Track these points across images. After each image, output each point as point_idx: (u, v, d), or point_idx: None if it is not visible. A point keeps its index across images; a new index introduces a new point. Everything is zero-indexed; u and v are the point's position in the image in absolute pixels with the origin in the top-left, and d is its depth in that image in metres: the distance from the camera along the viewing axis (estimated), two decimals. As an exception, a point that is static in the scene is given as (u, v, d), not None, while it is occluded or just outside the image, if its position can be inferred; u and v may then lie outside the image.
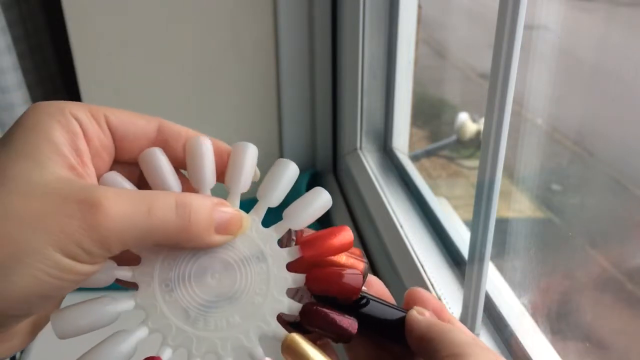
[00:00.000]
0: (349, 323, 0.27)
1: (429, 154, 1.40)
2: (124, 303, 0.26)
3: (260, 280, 0.27)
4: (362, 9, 0.84)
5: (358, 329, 0.29)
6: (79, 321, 0.25)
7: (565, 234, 0.67)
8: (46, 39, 1.11)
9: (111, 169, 0.29)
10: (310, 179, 1.00)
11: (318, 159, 1.06)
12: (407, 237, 0.69)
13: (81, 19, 0.92)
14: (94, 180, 0.27)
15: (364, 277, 0.30)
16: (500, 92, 0.45)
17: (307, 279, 0.28)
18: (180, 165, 0.30)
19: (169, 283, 0.27)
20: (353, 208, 0.90)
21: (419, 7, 0.85)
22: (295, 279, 0.28)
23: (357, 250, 0.30)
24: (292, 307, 0.27)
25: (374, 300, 0.31)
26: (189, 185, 0.29)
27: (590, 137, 0.68)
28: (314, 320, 0.27)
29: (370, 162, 0.89)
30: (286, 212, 0.29)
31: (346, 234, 0.28)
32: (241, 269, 0.28)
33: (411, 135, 0.93)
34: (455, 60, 1.69)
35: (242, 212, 0.28)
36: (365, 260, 0.30)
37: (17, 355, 0.83)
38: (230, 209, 0.27)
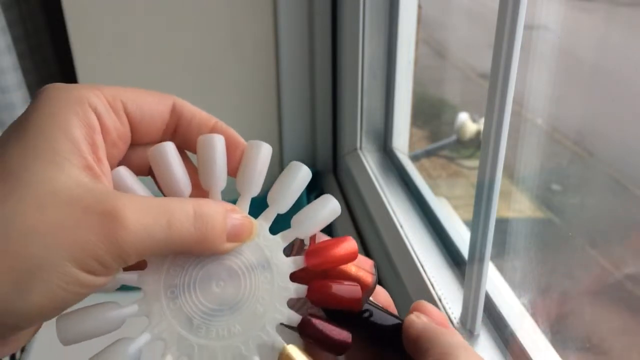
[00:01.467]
0: (344, 336, 0.27)
1: (429, 154, 1.41)
2: (128, 309, 0.26)
3: (263, 289, 0.27)
4: (362, 9, 0.84)
5: (358, 336, 0.29)
6: (83, 327, 0.25)
7: (565, 234, 0.67)
8: (46, 39, 1.11)
9: (129, 152, 0.28)
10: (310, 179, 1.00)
11: (318, 159, 1.06)
12: (407, 237, 0.69)
13: (81, 19, 0.92)
14: (109, 178, 0.26)
15: (372, 289, 0.30)
16: (500, 92, 0.45)
17: (308, 290, 0.28)
18: (190, 148, 0.30)
19: (174, 290, 0.27)
20: (353, 208, 0.90)
21: (419, 7, 0.85)
22: (297, 290, 0.28)
23: (368, 263, 0.30)
24: (291, 318, 0.27)
25: (377, 309, 0.31)
26: (197, 177, 0.28)
27: (590, 137, 0.68)
28: (309, 332, 0.27)
29: (370, 162, 0.89)
30: (295, 220, 0.28)
31: (350, 244, 0.28)
32: (246, 277, 0.27)
33: (411, 135, 0.93)
34: (455, 60, 1.69)
35: (252, 219, 0.27)
36: (374, 272, 0.30)
37: (17, 355, 0.83)
38: (240, 216, 0.27)
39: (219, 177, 0.28)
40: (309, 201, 1.02)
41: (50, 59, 1.13)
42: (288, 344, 0.27)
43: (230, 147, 0.29)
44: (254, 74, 0.98)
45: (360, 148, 0.94)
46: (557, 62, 0.56)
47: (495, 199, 0.50)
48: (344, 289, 0.28)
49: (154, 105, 0.28)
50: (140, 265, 0.27)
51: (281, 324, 0.27)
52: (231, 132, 0.29)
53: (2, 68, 0.89)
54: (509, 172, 0.58)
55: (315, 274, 0.29)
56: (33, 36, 1.06)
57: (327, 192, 0.99)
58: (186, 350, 0.26)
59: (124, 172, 0.27)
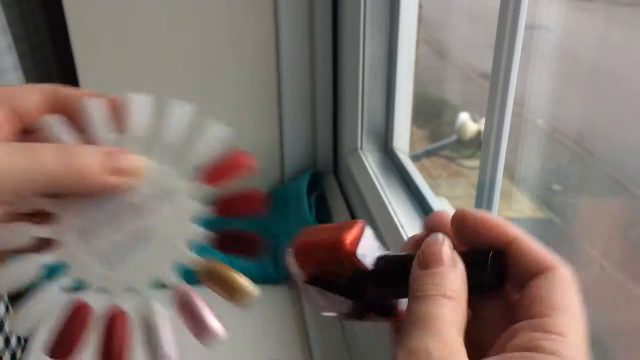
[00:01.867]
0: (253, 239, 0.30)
1: (429, 153, 1.41)
2: (45, 256, 0.28)
3: (168, 216, 0.29)
4: (362, 9, 0.84)
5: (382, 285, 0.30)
6: (26, 306, 0.28)
7: (565, 234, 0.67)
8: (46, 39, 1.11)
9: (23, 137, 0.31)
10: (310, 179, 1.00)
11: (319, 159, 1.06)
12: (407, 237, 0.69)
13: (81, 18, 0.92)
14: None
15: (363, 230, 0.31)
16: (501, 92, 0.45)
17: (216, 206, 0.29)
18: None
19: (84, 232, 0.29)
20: (353, 208, 0.90)
21: (420, 7, 0.85)
22: (202, 208, 0.29)
23: (357, 224, 0.32)
24: (199, 232, 0.29)
25: (384, 256, 0.31)
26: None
27: (590, 137, 0.68)
28: (225, 250, 0.29)
29: (370, 162, 0.89)
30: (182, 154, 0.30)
31: (243, 157, 0.30)
32: (149, 208, 0.29)
33: (412, 135, 0.93)
34: (456, 60, 1.69)
35: (138, 156, 0.29)
36: (363, 220, 0.31)
37: (18, 355, 0.83)
38: (122, 153, 0.28)
39: (99, 129, 0.29)
40: (309, 202, 1.03)
41: (51, 59, 1.13)
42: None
43: (114, 107, 0.30)
44: (254, 74, 0.98)
45: (361, 148, 0.94)
46: (558, 63, 0.56)
47: (496, 199, 0.50)
48: (242, 191, 0.29)
49: (25, 97, 0.31)
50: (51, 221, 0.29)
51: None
52: (113, 97, 0.31)
53: (2, 68, 0.89)
54: (510, 172, 0.58)
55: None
56: (33, 36, 1.06)
57: (327, 192, 0.99)
58: (106, 285, 0.29)
59: (51, 120, 0.29)
